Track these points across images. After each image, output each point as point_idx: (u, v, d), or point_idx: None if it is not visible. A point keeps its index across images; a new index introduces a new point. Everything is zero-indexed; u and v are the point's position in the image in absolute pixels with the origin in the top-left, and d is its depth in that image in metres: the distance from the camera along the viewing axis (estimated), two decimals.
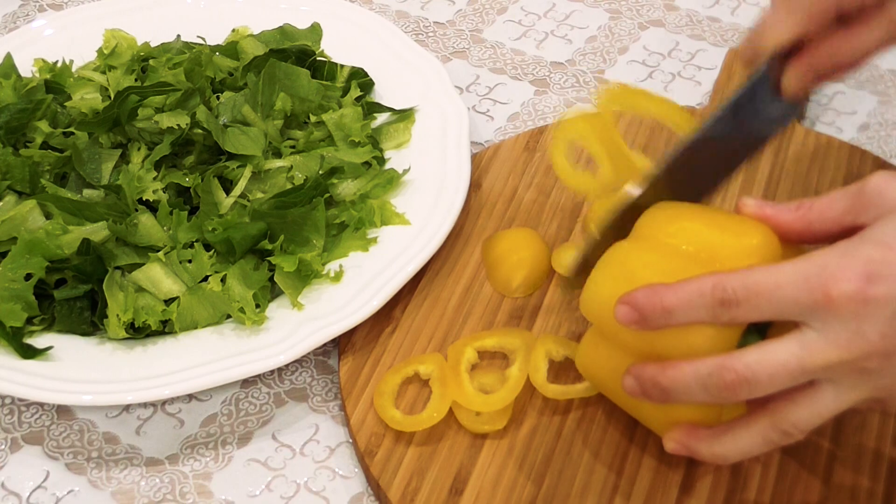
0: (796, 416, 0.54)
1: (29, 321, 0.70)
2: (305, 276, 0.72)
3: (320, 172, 0.77)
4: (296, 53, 0.84)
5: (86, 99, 0.82)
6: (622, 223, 0.62)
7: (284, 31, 0.88)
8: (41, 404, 0.71)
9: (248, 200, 0.76)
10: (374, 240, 0.74)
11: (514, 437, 0.65)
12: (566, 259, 0.74)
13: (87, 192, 0.76)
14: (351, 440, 0.67)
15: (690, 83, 0.91)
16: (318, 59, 0.86)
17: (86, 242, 0.70)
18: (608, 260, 0.59)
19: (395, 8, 1.00)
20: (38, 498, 0.66)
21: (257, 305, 0.70)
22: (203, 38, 0.87)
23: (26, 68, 0.87)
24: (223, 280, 0.71)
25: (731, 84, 0.87)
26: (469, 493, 0.62)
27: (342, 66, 0.86)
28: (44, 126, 0.79)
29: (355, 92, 0.83)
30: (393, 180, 0.77)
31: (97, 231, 0.72)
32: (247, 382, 0.71)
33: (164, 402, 0.71)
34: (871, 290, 0.50)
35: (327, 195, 0.76)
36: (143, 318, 0.69)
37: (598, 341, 0.60)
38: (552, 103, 0.90)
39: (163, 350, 0.69)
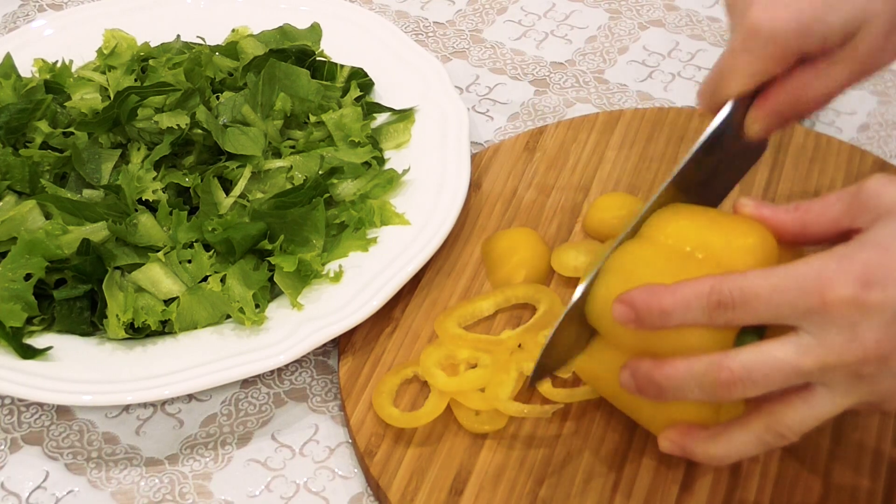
0: (791, 419, 0.54)
1: (29, 321, 0.70)
2: (305, 276, 0.72)
3: (320, 172, 0.77)
4: (295, 53, 0.84)
5: (85, 99, 0.82)
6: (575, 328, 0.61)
7: (284, 31, 0.88)
8: (41, 404, 0.71)
9: (248, 200, 0.76)
10: (374, 240, 0.74)
11: (514, 437, 0.65)
12: (566, 259, 0.74)
13: (86, 192, 0.76)
14: (351, 440, 0.67)
15: (690, 83, 0.91)
16: (318, 59, 0.86)
17: (85, 242, 0.70)
18: (612, 261, 0.59)
19: (394, 8, 1.00)
20: (37, 498, 0.66)
21: (257, 305, 0.70)
22: (203, 39, 0.87)
23: (26, 68, 0.87)
24: (223, 280, 0.71)
25: None
26: (469, 493, 0.62)
27: (342, 66, 0.86)
28: (43, 126, 0.79)
29: (355, 92, 0.83)
30: (393, 180, 0.77)
31: (97, 231, 0.72)
32: (246, 382, 0.71)
33: (163, 403, 0.70)
34: (866, 296, 0.50)
35: (327, 195, 0.76)
36: (143, 319, 0.69)
37: (598, 346, 0.60)
38: (552, 103, 0.90)
39: (162, 350, 0.69)
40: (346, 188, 0.77)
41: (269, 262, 0.72)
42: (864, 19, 0.59)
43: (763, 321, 0.52)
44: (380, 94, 0.86)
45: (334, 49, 0.87)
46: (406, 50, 0.88)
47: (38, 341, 0.70)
